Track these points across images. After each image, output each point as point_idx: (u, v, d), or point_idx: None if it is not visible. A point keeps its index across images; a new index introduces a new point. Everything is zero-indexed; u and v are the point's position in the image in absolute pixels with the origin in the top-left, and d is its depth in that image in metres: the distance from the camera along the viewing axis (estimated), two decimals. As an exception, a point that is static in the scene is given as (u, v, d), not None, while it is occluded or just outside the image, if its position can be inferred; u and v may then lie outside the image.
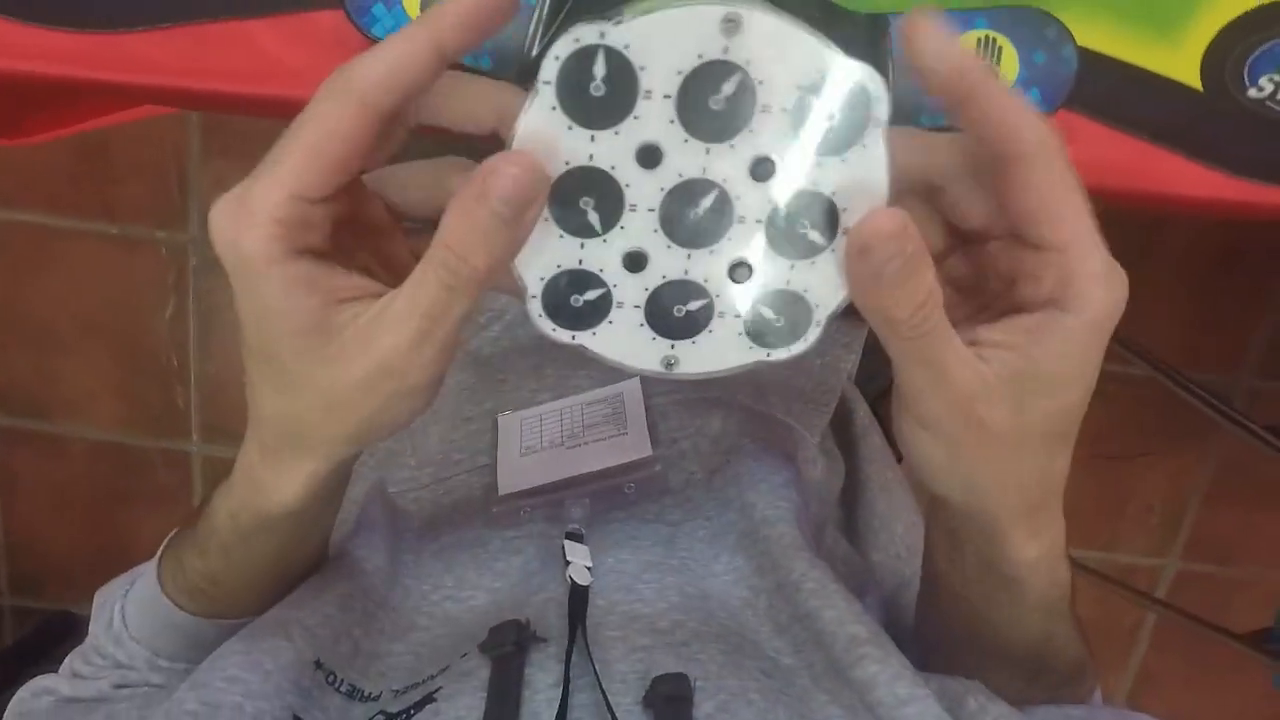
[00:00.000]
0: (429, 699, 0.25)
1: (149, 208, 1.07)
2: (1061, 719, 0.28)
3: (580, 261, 0.21)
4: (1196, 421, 0.83)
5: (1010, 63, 0.26)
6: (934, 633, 0.31)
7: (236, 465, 0.26)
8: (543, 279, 0.21)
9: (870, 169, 0.19)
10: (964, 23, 0.26)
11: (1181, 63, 0.26)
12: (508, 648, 0.26)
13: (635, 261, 0.21)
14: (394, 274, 0.21)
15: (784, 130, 0.19)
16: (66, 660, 0.33)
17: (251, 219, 0.20)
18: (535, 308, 0.21)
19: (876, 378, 0.54)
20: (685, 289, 0.21)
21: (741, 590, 0.32)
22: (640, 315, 0.21)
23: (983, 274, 0.23)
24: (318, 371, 0.21)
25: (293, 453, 0.23)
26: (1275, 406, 1.08)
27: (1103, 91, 0.27)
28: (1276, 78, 0.26)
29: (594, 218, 0.20)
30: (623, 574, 0.32)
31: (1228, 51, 0.26)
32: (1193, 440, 1.12)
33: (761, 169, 0.20)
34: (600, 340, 0.22)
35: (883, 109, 0.19)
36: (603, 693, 0.25)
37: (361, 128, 0.19)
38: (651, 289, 0.21)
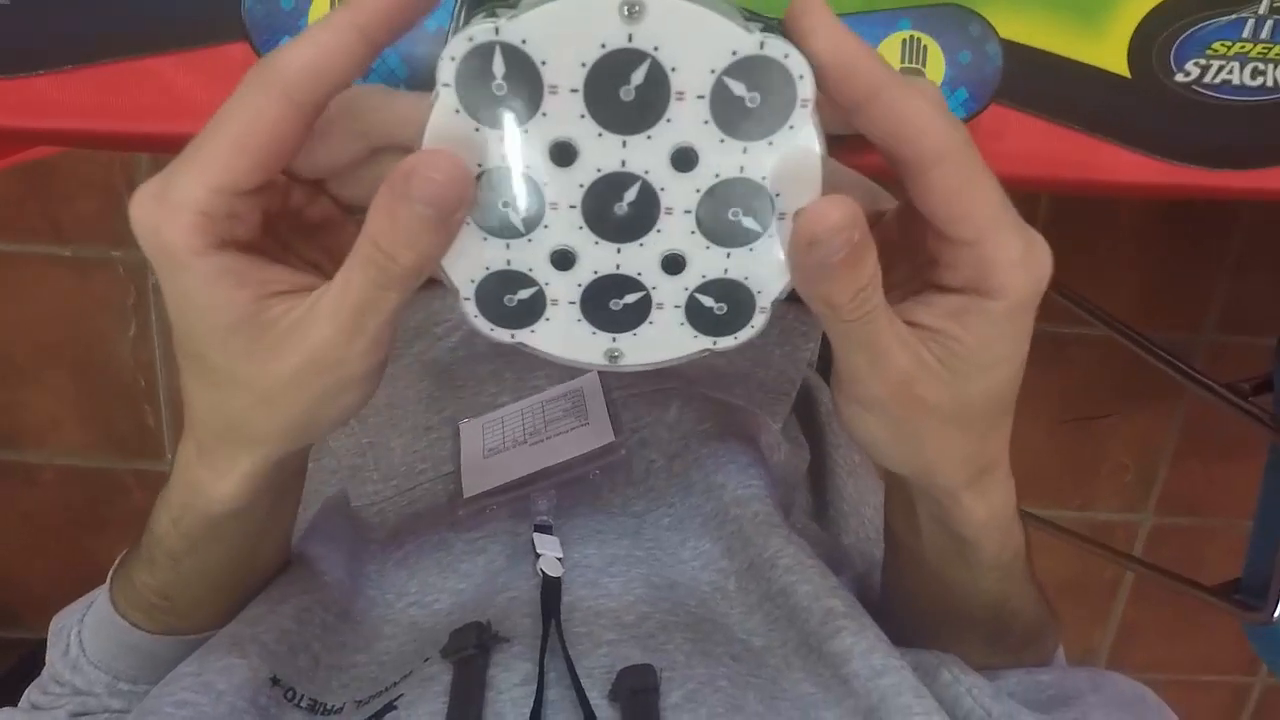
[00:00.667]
0: (390, 707, 0.25)
1: (101, 227, 1.04)
2: (1032, 685, 0.29)
3: (508, 262, 0.20)
4: (1162, 379, 0.84)
5: (936, 63, 0.26)
6: (898, 599, 0.32)
7: (173, 469, 0.25)
8: (473, 281, 0.21)
9: (801, 151, 0.19)
10: (888, 24, 0.26)
11: (1108, 51, 0.26)
12: (469, 650, 0.26)
13: (564, 259, 0.20)
14: None
15: (703, 117, 0.18)
16: (25, 692, 0.33)
17: (173, 210, 0.19)
18: (470, 309, 0.21)
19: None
20: (619, 283, 0.21)
21: (710, 574, 0.32)
22: (576, 311, 0.21)
23: (915, 242, 0.22)
24: (248, 367, 0.21)
25: (228, 450, 0.23)
26: (1236, 361, 1.10)
27: (1031, 83, 0.27)
28: (1201, 62, 0.26)
29: (515, 218, 0.20)
30: (588, 569, 0.32)
31: (1153, 38, 0.26)
32: (1160, 398, 1.14)
33: (683, 159, 0.19)
34: (540, 338, 0.21)
35: (807, 87, 0.18)
36: (577, 686, 0.24)
37: (287, 120, 0.19)
38: (584, 285, 0.21)
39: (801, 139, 0.19)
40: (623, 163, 0.19)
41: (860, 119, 0.19)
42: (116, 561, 0.31)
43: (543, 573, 0.30)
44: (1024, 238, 0.20)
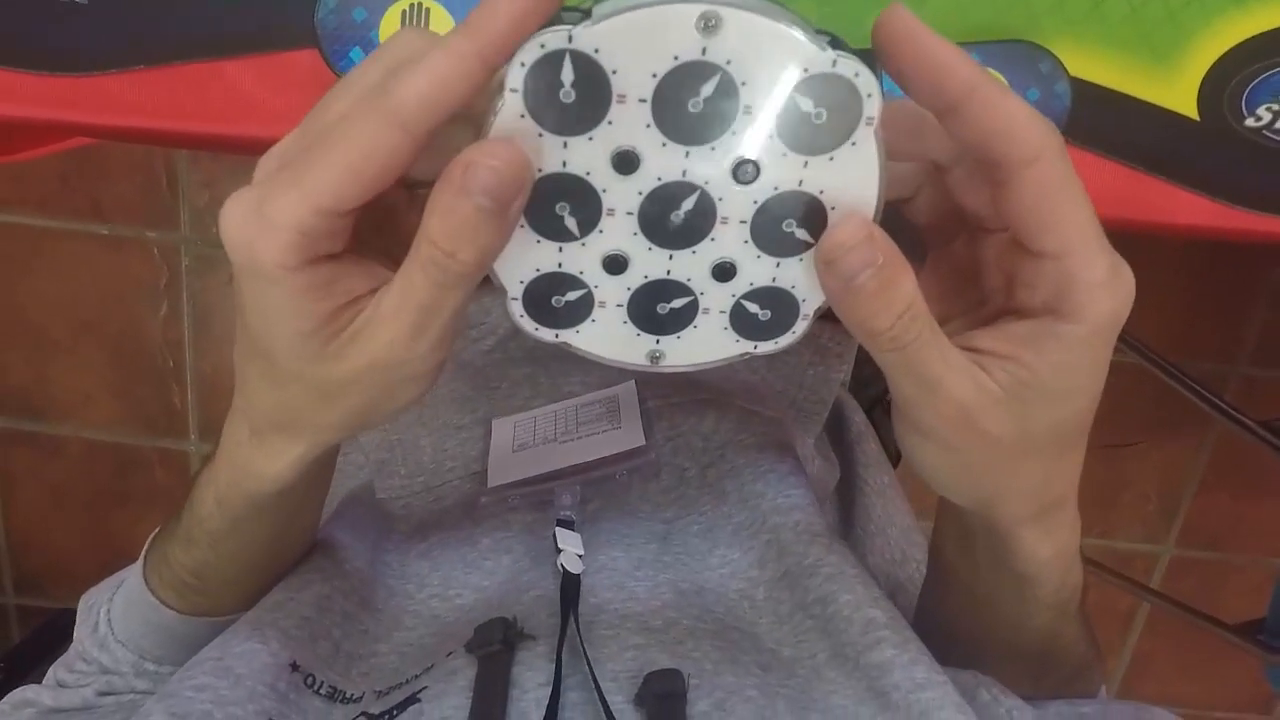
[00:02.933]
0: (413, 699, 0.25)
1: (139, 208, 1.06)
2: (1074, 715, 0.28)
3: (559, 265, 0.20)
4: (1191, 408, 0.83)
5: (1003, 99, 0.26)
6: (938, 626, 0.31)
7: (220, 448, 0.25)
8: (522, 282, 0.21)
9: (860, 168, 0.19)
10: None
11: (1177, 92, 0.26)
12: (494, 646, 0.26)
13: (615, 264, 0.20)
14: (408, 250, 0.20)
15: (768, 131, 0.18)
16: (51, 669, 0.33)
17: (270, 228, 0.19)
18: (516, 309, 0.21)
19: (870, 384, 0.54)
20: (668, 288, 0.21)
21: (738, 583, 0.31)
22: (623, 314, 0.21)
23: (985, 264, 0.22)
24: (315, 368, 0.21)
25: (285, 436, 0.23)
26: (1269, 396, 1.08)
27: (1098, 122, 0.26)
28: (1274, 106, 0.25)
29: (571, 223, 0.20)
30: (615, 572, 0.32)
31: (1225, 81, 0.25)
32: (1188, 427, 1.12)
33: (744, 171, 0.19)
34: (584, 338, 0.22)
35: (874, 106, 0.18)
36: (596, 688, 0.24)
37: (403, 150, 0.18)
38: (633, 289, 0.21)
39: (862, 155, 0.19)
40: (684, 172, 0.19)
41: (956, 120, 0.19)
42: (149, 540, 0.31)
43: (563, 568, 0.30)
44: (1110, 259, 0.19)
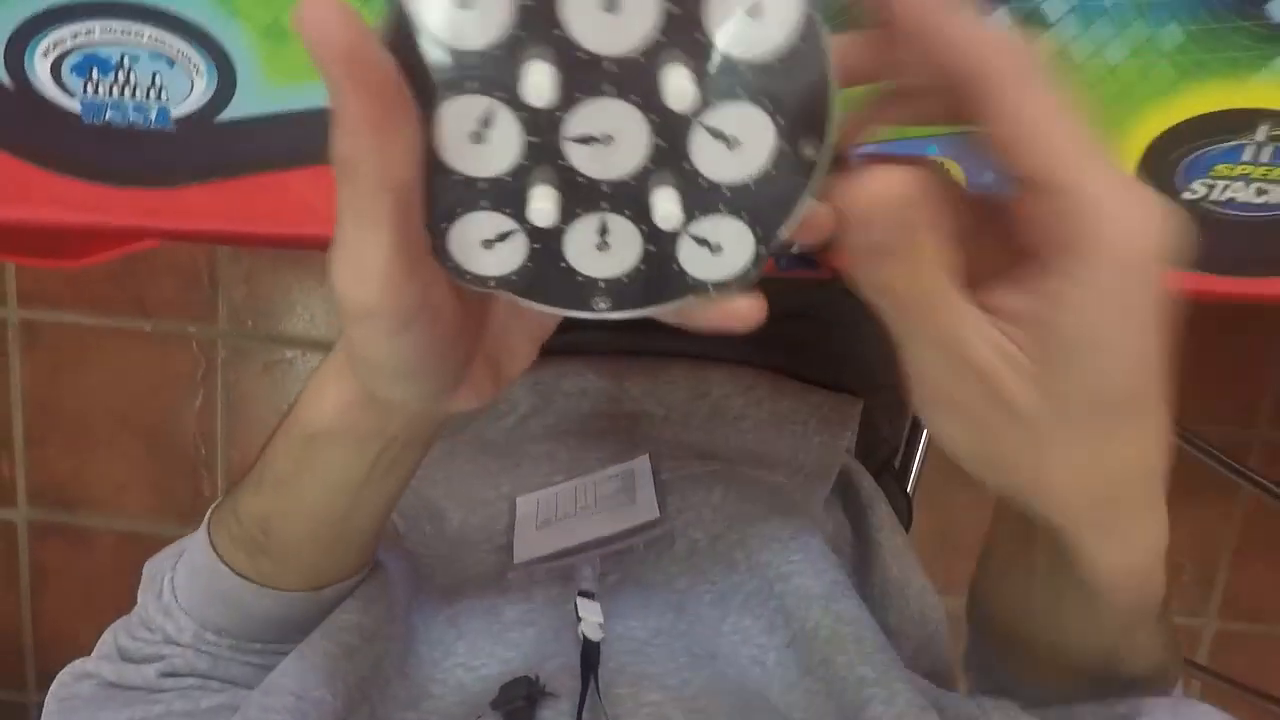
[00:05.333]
0: None
1: (181, 303, 1.11)
2: (1106, 717, 0.27)
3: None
4: (1216, 476, 0.82)
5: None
6: (988, 638, 0.30)
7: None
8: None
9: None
10: (917, 149, 0.28)
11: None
12: (518, 703, 0.27)
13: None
14: None
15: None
16: (108, 634, 0.33)
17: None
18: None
19: (875, 451, 0.56)
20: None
21: (749, 649, 0.32)
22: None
23: (995, 228, 0.19)
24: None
25: (335, 372, 0.26)
26: (1293, 459, 1.07)
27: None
28: (1207, 182, 0.28)
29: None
30: (633, 639, 0.33)
31: (1161, 159, 0.28)
32: (1215, 495, 1.10)
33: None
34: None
35: None
36: None
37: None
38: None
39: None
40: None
41: (924, 48, 0.17)
42: (211, 508, 0.32)
43: (584, 636, 0.31)
44: (1125, 179, 0.16)
